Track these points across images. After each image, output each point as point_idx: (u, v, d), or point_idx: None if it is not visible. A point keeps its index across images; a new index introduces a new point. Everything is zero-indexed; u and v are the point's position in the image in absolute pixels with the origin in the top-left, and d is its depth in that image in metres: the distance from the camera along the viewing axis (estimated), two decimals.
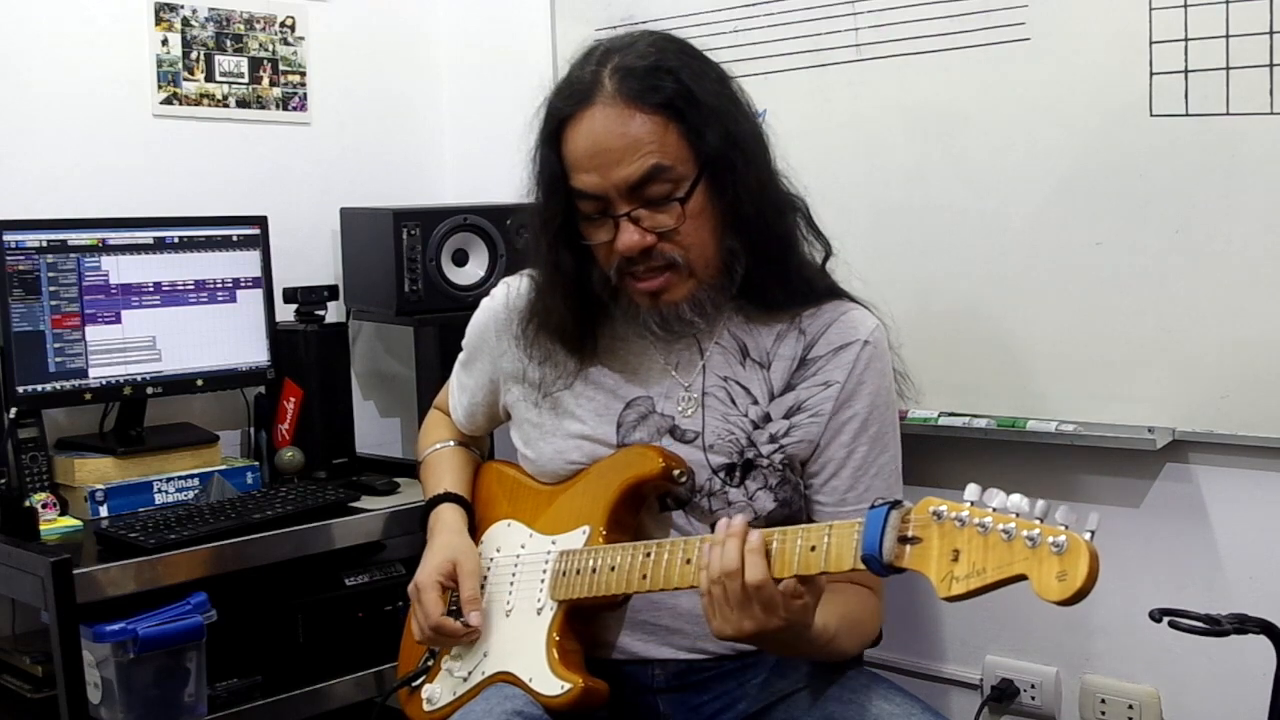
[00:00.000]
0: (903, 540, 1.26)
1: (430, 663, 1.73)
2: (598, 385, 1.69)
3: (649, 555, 1.51)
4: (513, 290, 1.78)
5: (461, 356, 1.88)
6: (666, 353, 1.67)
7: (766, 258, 1.61)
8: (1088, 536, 1.15)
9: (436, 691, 1.70)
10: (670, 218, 1.54)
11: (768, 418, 1.63)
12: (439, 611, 1.64)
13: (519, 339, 1.73)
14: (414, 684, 1.73)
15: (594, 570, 1.56)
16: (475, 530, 1.79)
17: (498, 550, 1.74)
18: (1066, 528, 1.16)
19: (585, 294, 1.64)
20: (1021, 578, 1.17)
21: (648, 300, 1.60)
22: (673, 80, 1.54)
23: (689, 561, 1.47)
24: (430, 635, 1.66)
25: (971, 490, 1.24)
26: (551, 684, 1.55)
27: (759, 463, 1.62)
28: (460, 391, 1.88)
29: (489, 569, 1.73)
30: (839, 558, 1.33)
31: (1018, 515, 1.19)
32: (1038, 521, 1.18)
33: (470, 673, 1.66)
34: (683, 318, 1.60)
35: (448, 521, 1.76)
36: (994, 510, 1.21)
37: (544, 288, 1.69)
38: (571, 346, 1.68)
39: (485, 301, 1.83)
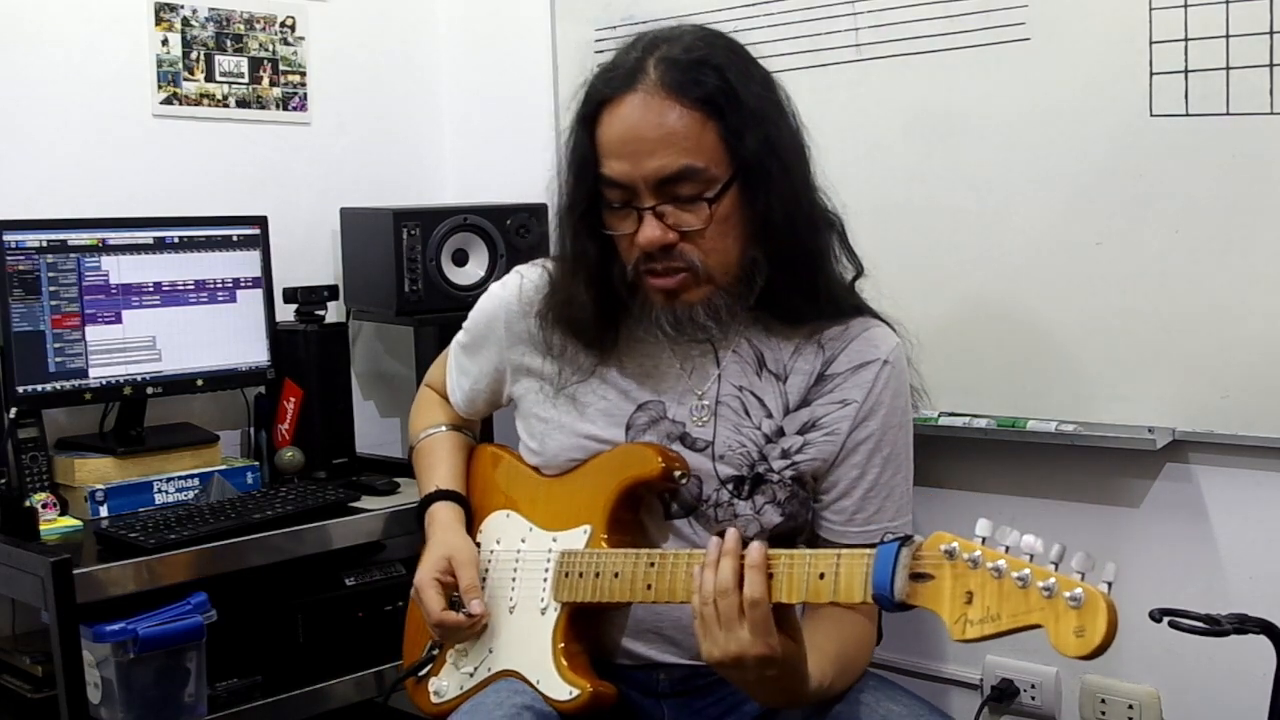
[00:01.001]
0: (914, 577, 1.25)
1: (435, 651, 1.72)
2: (611, 385, 1.67)
3: (653, 565, 1.49)
4: (526, 281, 1.74)
5: (464, 339, 1.84)
6: (682, 358, 1.64)
7: (792, 272, 1.57)
8: (1104, 588, 1.14)
9: (444, 685, 1.69)
10: (696, 218, 1.51)
11: (781, 432, 1.61)
12: (439, 607, 1.63)
13: (533, 332, 1.70)
14: (419, 674, 1.73)
15: (597, 575, 1.55)
16: (472, 519, 1.78)
17: (497, 543, 1.73)
18: (1083, 576, 1.14)
19: (607, 286, 1.60)
20: (1037, 627, 1.16)
21: (662, 298, 1.56)
22: (717, 77, 1.50)
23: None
24: (438, 632, 1.67)
25: (983, 525, 1.21)
26: (560, 689, 1.55)
27: (769, 477, 1.60)
28: (461, 375, 1.86)
29: (489, 562, 1.72)
30: (849, 589, 1.31)
31: (1031, 558, 1.17)
32: (1053, 569, 1.16)
33: (476, 668, 1.66)
34: (695, 320, 1.56)
35: (442, 520, 1.75)
36: (1007, 550, 1.19)
37: (565, 276, 1.65)
38: (589, 340, 1.65)
39: (496, 288, 1.79)
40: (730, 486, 1.61)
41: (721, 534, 1.57)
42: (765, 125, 1.52)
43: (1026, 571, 1.16)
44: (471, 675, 1.66)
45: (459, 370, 1.86)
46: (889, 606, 1.27)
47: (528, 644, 1.61)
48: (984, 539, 1.21)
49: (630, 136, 1.50)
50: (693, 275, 1.54)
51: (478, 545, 1.74)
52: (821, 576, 1.33)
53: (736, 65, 1.54)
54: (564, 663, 1.56)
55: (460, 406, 1.88)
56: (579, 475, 1.67)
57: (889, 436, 1.61)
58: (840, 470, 1.61)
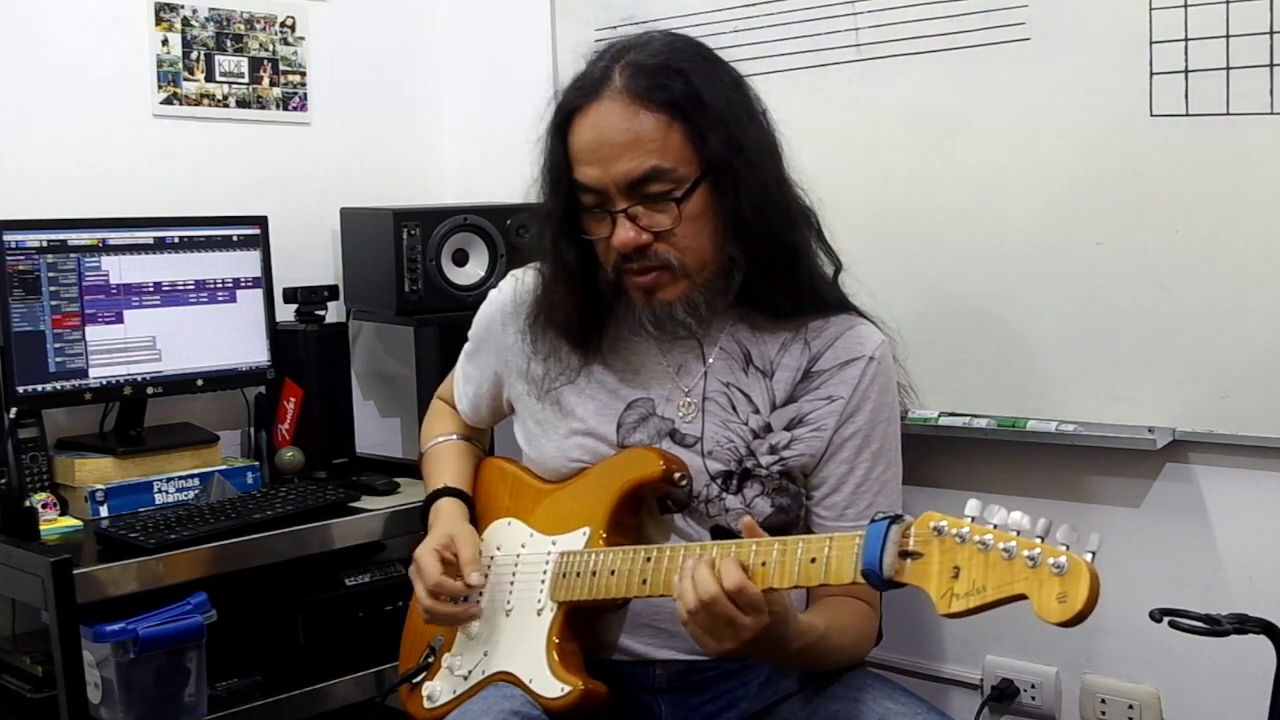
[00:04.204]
0: (903, 555, 1.26)
1: (430, 659, 1.73)
2: (600, 384, 1.69)
3: (649, 560, 1.51)
4: (520, 283, 1.77)
5: (467, 347, 1.88)
6: (669, 355, 1.66)
7: (770, 266, 1.60)
8: (1089, 557, 1.15)
9: (437, 689, 1.70)
10: (667, 218, 1.54)
11: (769, 428, 1.62)
12: (438, 570, 1.63)
13: (524, 333, 1.73)
14: (414, 681, 1.73)
15: (594, 573, 1.56)
16: (475, 526, 1.79)
17: (498, 549, 1.74)
18: (1068, 548, 1.15)
19: (591, 289, 1.64)
20: (1021, 597, 1.17)
21: (642, 296, 1.60)
22: (682, 81, 1.54)
23: None
24: (430, 605, 1.64)
25: (972, 506, 1.23)
26: (552, 686, 1.56)
27: (756, 472, 1.62)
28: (465, 382, 1.88)
29: (489, 567, 1.72)
30: (839, 570, 1.33)
31: (1018, 533, 1.19)
32: (1038, 540, 1.17)
33: (470, 671, 1.66)
34: (675, 317, 1.59)
35: (446, 512, 1.77)
36: (995, 527, 1.21)
37: (549, 282, 1.68)
38: (576, 342, 1.68)
39: (492, 293, 1.83)
40: (719, 481, 1.62)
41: (715, 529, 1.58)
42: (730, 125, 1.55)
43: (1012, 544, 1.18)
44: (465, 679, 1.66)
45: (464, 378, 1.89)
46: (878, 584, 1.28)
47: (522, 645, 1.61)
48: (973, 517, 1.22)
49: (599, 142, 1.54)
50: (669, 273, 1.57)
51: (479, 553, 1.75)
52: (813, 561, 1.35)
53: (702, 69, 1.57)
54: (556, 660, 1.57)
55: (467, 414, 1.90)
56: (580, 481, 1.68)
57: (877, 431, 1.63)
58: (829, 466, 1.63)
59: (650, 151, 1.52)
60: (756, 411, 1.63)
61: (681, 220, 1.54)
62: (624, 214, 1.55)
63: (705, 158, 1.54)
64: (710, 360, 1.65)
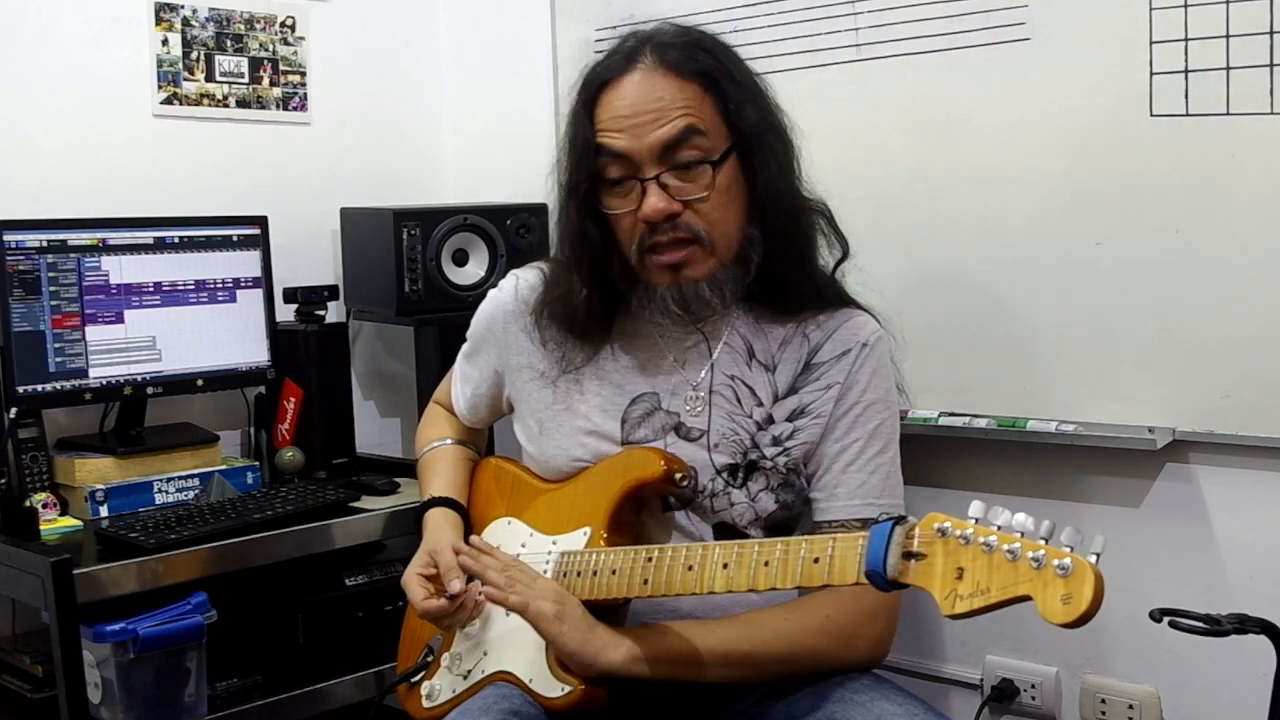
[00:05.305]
0: (907, 556, 1.26)
1: (429, 659, 1.73)
2: (604, 379, 1.69)
3: (650, 560, 1.51)
4: (522, 282, 1.78)
5: (465, 348, 1.88)
6: (676, 350, 1.67)
7: (784, 252, 1.62)
8: (1093, 559, 1.15)
9: (436, 688, 1.70)
10: (698, 186, 1.55)
11: (771, 419, 1.64)
12: (421, 597, 1.64)
13: (530, 328, 1.73)
14: (413, 680, 1.73)
15: (595, 573, 1.56)
16: (472, 529, 1.79)
17: (498, 548, 1.73)
18: (1072, 549, 1.15)
19: (605, 277, 1.64)
20: (1026, 598, 1.17)
21: (668, 276, 1.59)
22: (711, 57, 1.58)
23: (690, 568, 1.46)
24: (424, 616, 1.66)
25: (976, 507, 1.23)
26: (552, 686, 1.55)
27: (762, 464, 1.62)
28: (463, 383, 1.88)
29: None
30: (843, 571, 1.33)
31: (1022, 535, 1.19)
32: (1043, 542, 1.17)
33: (470, 671, 1.66)
34: (701, 296, 1.59)
35: (433, 524, 1.77)
36: (999, 529, 1.21)
37: (563, 268, 1.68)
38: (582, 332, 1.68)
39: (493, 293, 1.83)
40: (725, 475, 1.63)
41: (718, 526, 1.58)
42: (759, 101, 1.59)
43: (1017, 545, 1.18)
44: (465, 678, 1.66)
45: (462, 379, 1.89)
46: (882, 585, 1.28)
47: (522, 644, 1.61)
48: (976, 519, 1.22)
49: (633, 111, 1.55)
50: (699, 247, 1.57)
51: None
52: (816, 561, 1.35)
53: (727, 53, 1.62)
54: (556, 660, 1.57)
55: (464, 415, 1.90)
56: (580, 482, 1.68)
57: (869, 412, 1.64)
58: (824, 446, 1.64)
59: (685, 114, 1.54)
60: (760, 404, 1.64)
61: (714, 188, 1.55)
62: (655, 181, 1.55)
63: (737, 129, 1.56)
64: (716, 354, 1.66)
